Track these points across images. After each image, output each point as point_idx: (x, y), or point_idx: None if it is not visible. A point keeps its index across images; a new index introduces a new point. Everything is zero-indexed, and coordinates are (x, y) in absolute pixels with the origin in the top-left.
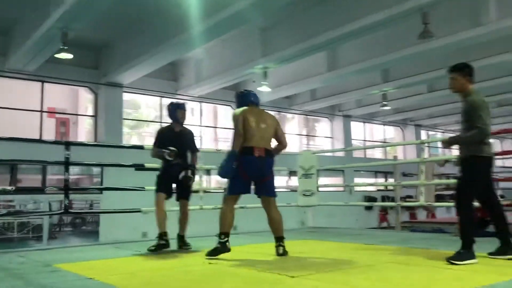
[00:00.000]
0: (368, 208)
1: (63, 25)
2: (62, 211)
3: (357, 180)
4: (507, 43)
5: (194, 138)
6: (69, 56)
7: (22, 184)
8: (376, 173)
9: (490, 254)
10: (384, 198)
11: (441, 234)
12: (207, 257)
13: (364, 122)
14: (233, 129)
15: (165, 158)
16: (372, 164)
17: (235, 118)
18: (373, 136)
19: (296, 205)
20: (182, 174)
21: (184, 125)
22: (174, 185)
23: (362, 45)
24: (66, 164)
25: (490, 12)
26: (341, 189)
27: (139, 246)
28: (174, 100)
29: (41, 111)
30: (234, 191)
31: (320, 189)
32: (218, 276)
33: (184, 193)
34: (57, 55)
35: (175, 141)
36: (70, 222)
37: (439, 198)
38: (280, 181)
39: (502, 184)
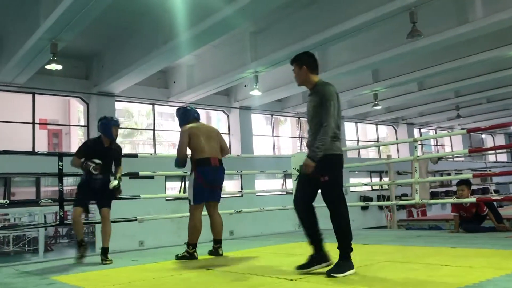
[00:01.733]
0: (364, 208)
1: (52, 36)
2: (57, 222)
3: (352, 180)
4: (494, 39)
5: (121, 152)
6: (59, 67)
7: (16, 197)
8: (371, 172)
9: (300, 267)
10: (379, 197)
11: (437, 231)
12: (176, 259)
13: (356, 122)
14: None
15: (90, 171)
16: (367, 164)
17: (181, 135)
18: (367, 136)
19: (292, 207)
20: (114, 184)
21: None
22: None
23: (352, 46)
24: (60, 175)
25: (476, 9)
26: None
27: (136, 255)
28: (108, 115)
29: (33, 123)
30: (199, 200)
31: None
32: (216, 282)
33: (106, 201)
34: (47, 66)
35: (102, 156)
36: (66, 234)
37: (433, 195)
38: (275, 184)
39: (495, 179)
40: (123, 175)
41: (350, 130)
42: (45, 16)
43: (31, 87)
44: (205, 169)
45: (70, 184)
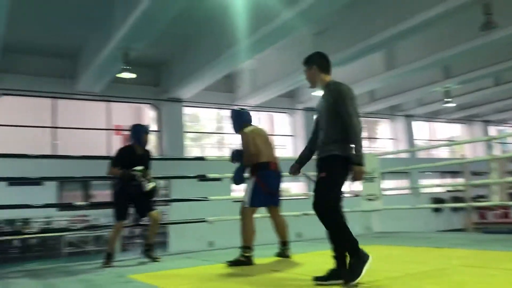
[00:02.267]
0: (437, 210)
1: (125, 45)
2: (132, 223)
3: (423, 181)
4: None
5: (151, 157)
6: (131, 75)
7: (95, 199)
8: (443, 173)
9: (317, 279)
10: (453, 199)
11: None
12: (228, 265)
13: (427, 121)
14: (243, 146)
15: (138, 179)
16: (439, 164)
17: (246, 139)
18: (438, 135)
19: (360, 210)
20: (151, 185)
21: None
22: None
23: (421, 42)
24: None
25: None
26: (407, 191)
27: (207, 256)
28: (140, 123)
29: (108, 129)
30: (255, 204)
31: (385, 192)
32: (285, 285)
33: (149, 205)
34: (120, 75)
35: (136, 162)
36: (140, 234)
37: None
38: (343, 186)
39: None
40: (193, 177)
41: (420, 130)
42: (117, 27)
43: (106, 95)
44: (265, 173)
45: None
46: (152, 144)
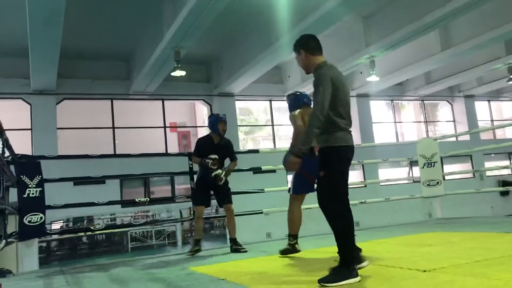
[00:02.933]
0: (504, 193)
1: (175, 44)
2: (191, 217)
3: (487, 164)
4: None
5: (233, 147)
6: (183, 73)
7: (155, 195)
8: (510, 154)
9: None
10: None
11: None
12: (280, 254)
13: (489, 100)
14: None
15: (209, 167)
16: (503, 146)
17: (294, 118)
18: (502, 115)
19: (420, 196)
20: (216, 172)
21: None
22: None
23: (478, 18)
24: (191, 173)
25: None
26: (470, 175)
27: (265, 247)
28: (215, 112)
29: (164, 127)
30: (299, 190)
31: (447, 177)
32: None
33: (226, 198)
34: (172, 73)
35: (214, 152)
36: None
37: None
38: (400, 173)
39: None
40: (246, 169)
41: (482, 110)
42: (167, 26)
43: (160, 94)
44: (310, 160)
45: None
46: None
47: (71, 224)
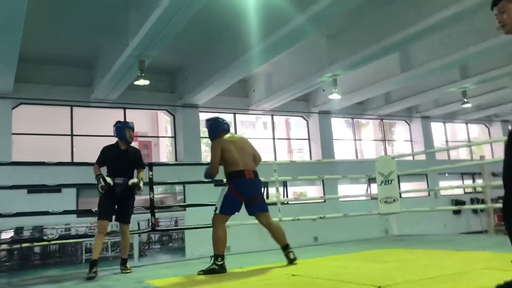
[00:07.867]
0: (457, 212)
1: (140, 53)
2: (149, 229)
3: (442, 183)
4: None
5: (141, 155)
6: (147, 82)
7: None
8: (462, 175)
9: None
10: (473, 201)
11: None
12: (200, 273)
13: (444, 122)
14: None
15: (98, 187)
16: (458, 166)
17: (214, 147)
18: (456, 136)
19: (378, 213)
20: (133, 181)
21: (131, 144)
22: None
23: (437, 42)
24: (151, 184)
25: None
26: (426, 194)
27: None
28: (122, 119)
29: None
30: (227, 211)
31: (403, 195)
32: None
33: (125, 217)
34: (136, 82)
35: (119, 159)
36: (157, 240)
37: None
38: (359, 189)
39: None
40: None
41: (438, 131)
42: (132, 35)
43: (122, 102)
44: (240, 182)
45: (160, 193)
46: (168, 149)
47: (23, 234)
